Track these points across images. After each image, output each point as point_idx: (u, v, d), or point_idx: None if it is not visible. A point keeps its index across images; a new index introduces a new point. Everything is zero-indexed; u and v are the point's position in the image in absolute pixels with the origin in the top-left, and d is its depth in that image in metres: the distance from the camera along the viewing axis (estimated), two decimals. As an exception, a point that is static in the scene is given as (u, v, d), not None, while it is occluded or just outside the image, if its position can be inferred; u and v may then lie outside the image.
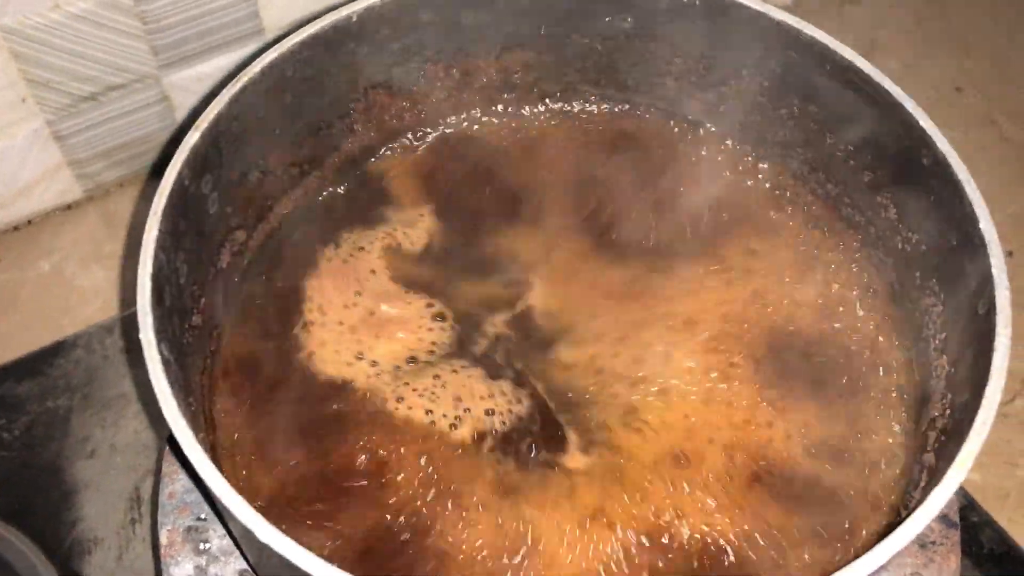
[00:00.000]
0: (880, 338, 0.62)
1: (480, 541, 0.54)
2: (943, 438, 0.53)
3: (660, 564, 0.53)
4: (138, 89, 0.92)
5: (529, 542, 0.54)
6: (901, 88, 0.58)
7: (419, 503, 0.56)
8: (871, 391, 0.60)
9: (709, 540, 0.54)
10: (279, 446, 0.59)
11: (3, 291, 0.94)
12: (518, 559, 0.54)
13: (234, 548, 0.63)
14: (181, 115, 0.96)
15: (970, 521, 0.80)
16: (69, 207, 0.99)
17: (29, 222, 0.98)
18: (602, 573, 0.53)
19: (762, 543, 0.55)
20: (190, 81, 0.94)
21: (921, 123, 0.56)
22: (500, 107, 0.73)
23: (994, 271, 0.50)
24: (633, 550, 0.54)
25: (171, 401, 0.45)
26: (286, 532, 0.42)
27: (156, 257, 0.50)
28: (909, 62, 1.12)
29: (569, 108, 0.73)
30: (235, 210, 0.62)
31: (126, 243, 0.97)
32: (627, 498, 0.56)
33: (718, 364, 0.61)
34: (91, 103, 0.91)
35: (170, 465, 0.66)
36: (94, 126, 0.93)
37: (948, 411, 0.54)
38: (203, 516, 0.64)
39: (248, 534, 0.43)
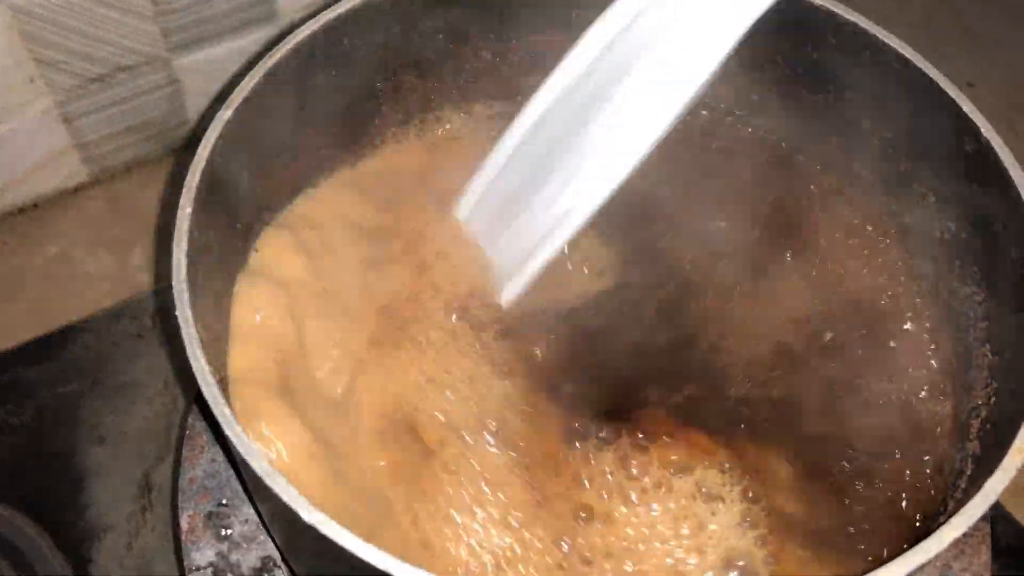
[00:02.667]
0: (918, 327, 0.62)
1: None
2: (988, 426, 0.53)
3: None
4: (147, 71, 0.91)
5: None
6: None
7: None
8: (912, 379, 0.59)
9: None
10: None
11: (10, 275, 0.92)
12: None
13: (256, 534, 0.62)
14: (190, 98, 0.95)
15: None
16: (75, 190, 0.98)
17: (35, 205, 0.96)
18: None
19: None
20: (200, 64, 0.92)
21: (965, 109, 0.56)
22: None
23: (1042, 258, 0.50)
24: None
25: (210, 380, 0.44)
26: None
27: (191, 234, 0.49)
28: (920, 57, 1.12)
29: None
30: (264, 190, 0.61)
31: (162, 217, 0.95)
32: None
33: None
34: (100, 84, 0.89)
35: (190, 450, 0.65)
36: (102, 108, 0.92)
37: (993, 399, 0.53)
38: (224, 502, 0.63)
39: (289, 513, 0.42)
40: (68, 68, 0.86)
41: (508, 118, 0.71)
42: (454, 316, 0.61)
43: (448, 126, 0.71)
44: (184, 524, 0.62)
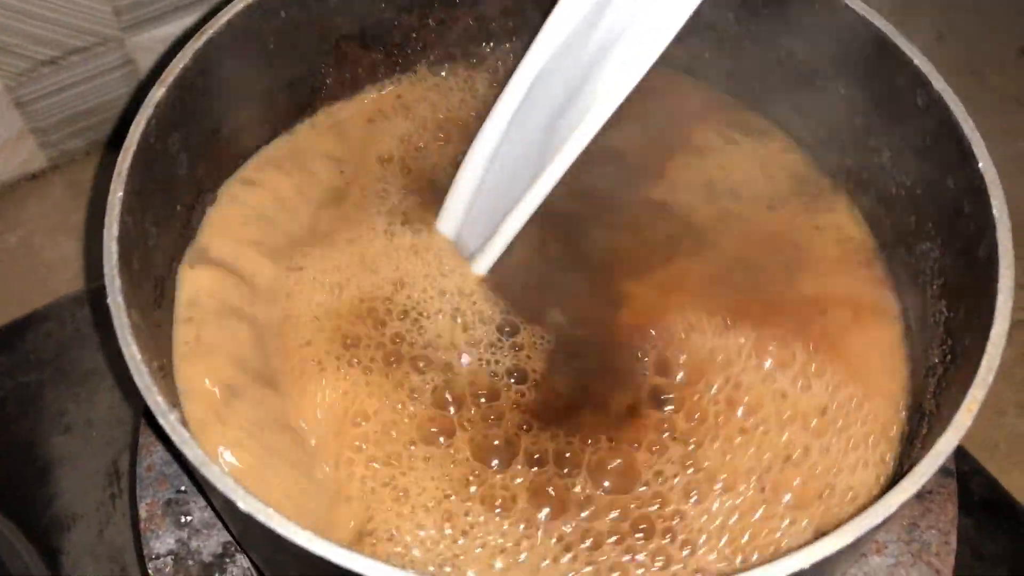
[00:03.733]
0: (876, 284, 0.61)
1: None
2: (944, 384, 0.52)
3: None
4: (101, 52, 0.89)
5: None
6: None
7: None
8: (870, 337, 0.58)
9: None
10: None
11: (-31, 265, 0.91)
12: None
13: (216, 520, 0.61)
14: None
15: (960, 470, 0.79)
16: (34, 177, 0.97)
17: (-7, 193, 0.95)
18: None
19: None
20: (155, 43, 0.90)
21: (916, 62, 0.54)
22: (475, 59, 0.71)
23: (995, 212, 0.49)
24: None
25: (143, 369, 0.43)
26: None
27: (122, 220, 0.48)
28: (889, 8, 1.11)
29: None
30: (207, 169, 0.60)
31: (89, 212, 0.94)
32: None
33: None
34: (52, 67, 0.88)
35: (147, 437, 0.64)
36: (56, 92, 0.90)
37: (948, 357, 0.53)
38: (183, 488, 0.62)
39: (230, 505, 0.41)
40: (19, 51, 0.85)
41: (460, 81, 0.70)
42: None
43: (391, 91, 0.69)
44: (143, 512, 0.61)
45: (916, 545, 0.61)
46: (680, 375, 0.58)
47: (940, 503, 0.63)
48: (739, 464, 0.55)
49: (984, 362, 0.45)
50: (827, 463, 0.55)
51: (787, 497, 0.54)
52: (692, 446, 0.55)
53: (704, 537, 0.53)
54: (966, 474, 0.80)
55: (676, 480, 0.55)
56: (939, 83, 0.53)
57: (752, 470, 0.54)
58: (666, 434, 0.56)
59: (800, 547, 0.39)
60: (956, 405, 0.44)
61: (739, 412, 0.56)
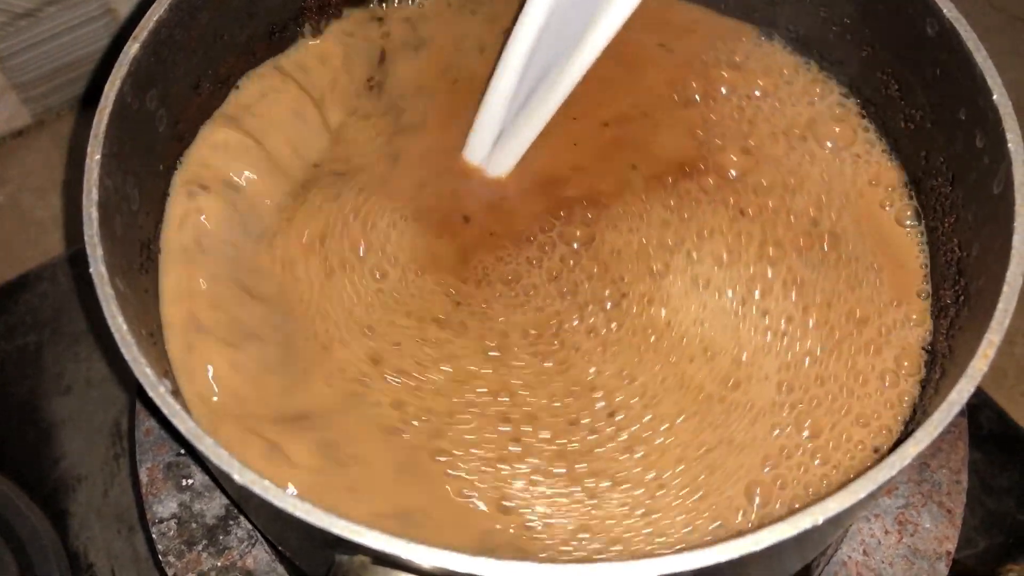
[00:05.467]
0: (885, 220, 0.59)
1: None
2: (957, 327, 0.51)
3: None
4: (78, 3, 0.86)
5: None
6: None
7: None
8: (882, 277, 0.57)
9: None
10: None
11: (-42, 226, 0.89)
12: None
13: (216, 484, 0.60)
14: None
15: (969, 404, 0.79)
16: (20, 134, 0.95)
17: (-23, 152, 0.93)
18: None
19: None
20: (135, -10, 0.88)
21: (926, -11, 0.52)
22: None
23: (1010, 146, 0.46)
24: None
25: (130, 340, 0.42)
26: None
27: (101, 184, 0.46)
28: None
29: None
30: (188, 126, 0.57)
31: (70, 170, 0.92)
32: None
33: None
34: (29, 20, 0.85)
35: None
36: (35, 45, 0.88)
37: (962, 298, 0.51)
38: (183, 451, 0.61)
39: (225, 476, 0.40)
40: (-7, 5, 0.82)
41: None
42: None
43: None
44: (144, 477, 0.60)
45: (927, 486, 0.61)
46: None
47: (951, 442, 0.62)
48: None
49: (1000, 304, 0.43)
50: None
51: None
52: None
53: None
54: (975, 407, 0.79)
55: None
56: (951, 12, 0.51)
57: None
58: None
59: (809, 505, 0.38)
60: (971, 350, 0.43)
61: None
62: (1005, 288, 0.43)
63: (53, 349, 0.82)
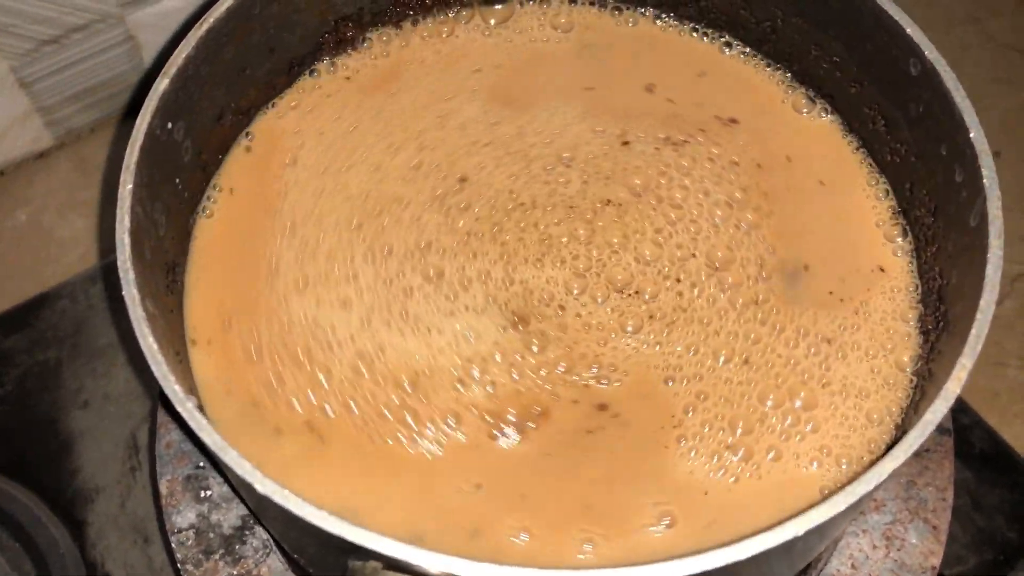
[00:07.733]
0: (875, 251, 0.61)
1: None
2: (938, 350, 0.53)
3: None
4: (101, 29, 0.89)
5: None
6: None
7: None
8: (874, 303, 0.59)
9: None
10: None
11: (-19, 245, 0.92)
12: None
13: (235, 494, 0.63)
14: (148, 54, 0.94)
15: (961, 423, 0.81)
16: (41, 155, 0.97)
17: (1, 173, 0.96)
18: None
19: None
20: (156, 18, 0.91)
21: (909, 31, 0.55)
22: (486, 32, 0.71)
23: (985, 182, 0.49)
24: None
25: (159, 358, 0.45)
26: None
27: (133, 212, 0.49)
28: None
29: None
30: (211, 156, 0.61)
31: (102, 189, 0.95)
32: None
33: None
34: (54, 46, 0.88)
35: (165, 415, 0.66)
36: (60, 70, 0.91)
37: (941, 323, 0.54)
38: (202, 464, 0.64)
39: (247, 486, 0.43)
40: (19, 32, 0.85)
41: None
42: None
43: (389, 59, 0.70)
44: (164, 489, 0.63)
45: (913, 502, 0.63)
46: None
47: (937, 460, 0.65)
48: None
49: (973, 330, 0.46)
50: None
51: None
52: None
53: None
54: (966, 427, 0.82)
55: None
56: (932, 53, 0.54)
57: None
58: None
59: (792, 517, 0.41)
60: (947, 373, 0.45)
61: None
62: (978, 315, 0.46)
63: (72, 365, 0.84)
